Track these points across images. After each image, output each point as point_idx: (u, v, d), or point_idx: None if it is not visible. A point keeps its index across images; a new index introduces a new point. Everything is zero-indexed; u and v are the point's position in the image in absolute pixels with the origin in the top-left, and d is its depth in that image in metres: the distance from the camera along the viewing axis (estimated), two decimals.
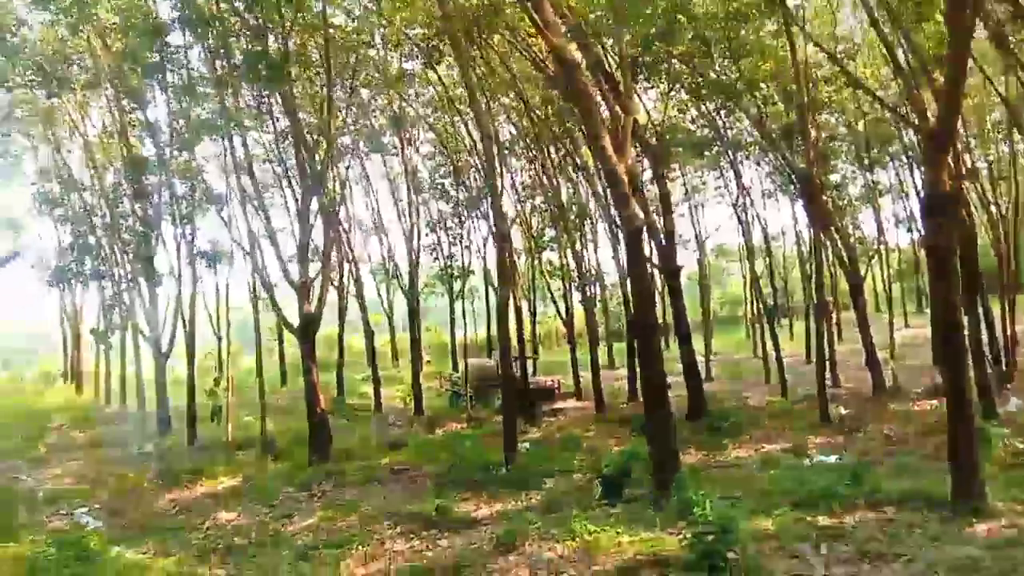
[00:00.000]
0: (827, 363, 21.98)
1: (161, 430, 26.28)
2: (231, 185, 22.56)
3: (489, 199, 26.29)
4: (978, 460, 9.25)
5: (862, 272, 33.21)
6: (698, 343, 40.06)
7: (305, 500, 15.66)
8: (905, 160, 35.26)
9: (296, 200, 20.79)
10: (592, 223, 33.79)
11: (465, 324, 38.82)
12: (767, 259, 38.70)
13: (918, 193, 36.41)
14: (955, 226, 9.54)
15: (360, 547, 11.32)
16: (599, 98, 17.26)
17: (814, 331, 26.24)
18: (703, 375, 35.18)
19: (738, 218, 33.16)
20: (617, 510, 11.63)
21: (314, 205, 19.90)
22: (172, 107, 24.32)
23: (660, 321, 32.22)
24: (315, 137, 21.25)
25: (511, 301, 27.95)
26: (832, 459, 15.54)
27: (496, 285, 32.34)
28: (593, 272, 35.04)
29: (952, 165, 11.91)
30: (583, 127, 15.87)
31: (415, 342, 29.83)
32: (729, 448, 18.33)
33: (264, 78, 18.03)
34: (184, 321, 25.56)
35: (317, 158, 20.08)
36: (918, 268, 43.85)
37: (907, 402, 22.61)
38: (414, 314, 30.22)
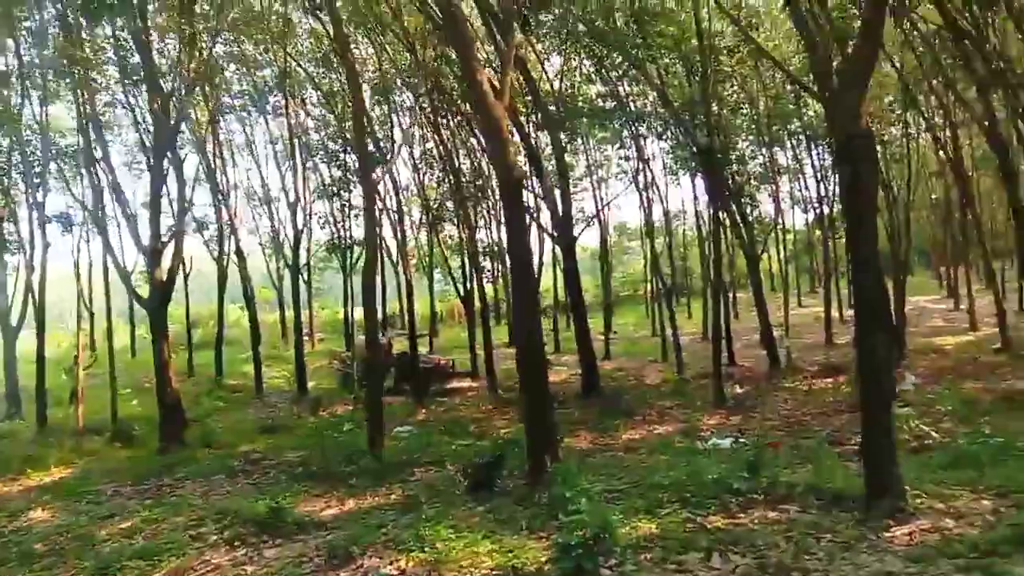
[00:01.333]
0: (723, 341, 20.50)
1: (11, 412, 23.11)
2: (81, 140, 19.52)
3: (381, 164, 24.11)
4: (895, 453, 7.62)
5: (759, 251, 32.40)
6: (599, 321, 38.91)
7: (137, 496, 13.15)
8: (803, 139, 34.56)
9: (148, 154, 18.04)
10: (494, 195, 31.69)
11: (383, 302, 36.37)
12: (667, 238, 37.55)
13: (816, 173, 36.00)
14: (874, 173, 7.76)
15: (172, 559, 9.04)
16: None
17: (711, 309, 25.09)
18: (603, 353, 34.11)
19: (639, 195, 31.81)
20: (485, 507, 9.65)
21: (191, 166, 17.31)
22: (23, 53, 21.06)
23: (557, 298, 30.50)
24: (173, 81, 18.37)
25: (406, 278, 25.93)
26: (727, 442, 14.04)
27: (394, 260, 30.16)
28: (496, 248, 33.03)
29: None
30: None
31: (298, 319, 27.24)
32: (621, 429, 16.68)
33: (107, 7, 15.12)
34: (33, 292, 22.39)
35: (173, 103, 17.32)
36: (812, 248, 43.66)
37: (803, 380, 21.52)
38: (297, 288, 27.59)
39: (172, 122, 17.07)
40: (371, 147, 25.98)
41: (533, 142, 24.70)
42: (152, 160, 17.54)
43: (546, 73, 26.11)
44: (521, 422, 18.39)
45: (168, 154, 17.55)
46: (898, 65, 23.55)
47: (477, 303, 28.72)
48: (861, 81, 7.77)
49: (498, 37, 14.97)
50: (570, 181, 22.68)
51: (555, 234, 21.26)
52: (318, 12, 20.22)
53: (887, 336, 7.69)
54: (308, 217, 28.53)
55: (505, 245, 32.80)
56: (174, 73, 18.25)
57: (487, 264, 30.66)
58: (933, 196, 42.37)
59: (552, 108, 24.13)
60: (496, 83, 11.69)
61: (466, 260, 29.24)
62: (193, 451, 16.77)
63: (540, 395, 10.71)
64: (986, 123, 21.03)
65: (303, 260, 29.29)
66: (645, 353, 33.88)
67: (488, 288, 33.61)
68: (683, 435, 15.24)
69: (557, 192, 20.83)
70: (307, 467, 13.87)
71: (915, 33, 22.25)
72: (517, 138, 21.66)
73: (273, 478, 13.83)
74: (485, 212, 30.42)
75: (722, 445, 13.95)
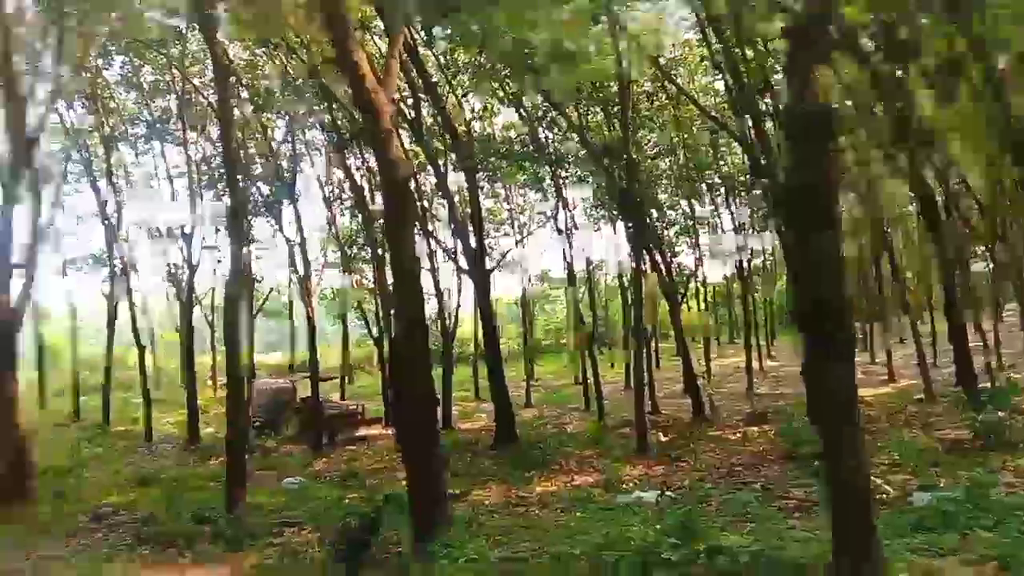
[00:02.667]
0: (646, 388, 18.56)
1: None
2: None
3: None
4: (871, 513, 5.62)
5: (680, 300, 31.05)
6: (520, 369, 36.79)
7: None
8: (722, 191, 33.69)
9: None
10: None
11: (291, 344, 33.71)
12: (589, 285, 35.91)
13: (734, 226, 35.13)
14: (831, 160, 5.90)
15: None
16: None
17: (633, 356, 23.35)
18: (524, 401, 31.90)
19: (562, 242, 30.16)
20: None
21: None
22: None
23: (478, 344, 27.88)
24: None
25: (308, 318, 23.43)
26: (651, 496, 11.92)
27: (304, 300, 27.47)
28: None
29: None
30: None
31: (190, 360, 24.30)
32: (535, 481, 14.47)
33: None
34: None
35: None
36: (731, 299, 42.75)
37: (728, 429, 19.75)
38: (189, 327, 24.70)
39: (30, 134, 14.42)
40: (273, 180, 23.83)
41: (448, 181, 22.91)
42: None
43: (464, 113, 24.38)
44: None
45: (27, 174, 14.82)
46: None
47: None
48: (813, 41, 6.01)
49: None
50: (484, 219, 20.62)
51: (467, 268, 19.19)
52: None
53: (849, 368, 5.73)
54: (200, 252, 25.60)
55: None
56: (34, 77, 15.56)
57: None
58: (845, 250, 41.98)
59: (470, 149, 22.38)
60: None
61: (379, 302, 26.86)
62: (41, 505, 13.82)
63: (425, 442, 8.46)
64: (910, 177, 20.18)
65: (205, 299, 26.40)
66: (567, 401, 31.90)
67: None
68: (603, 488, 13.10)
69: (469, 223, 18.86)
70: (153, 527, 11.15)
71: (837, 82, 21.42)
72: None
73: (116, 539, 11.05)
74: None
75: (646, 499, 11.85)
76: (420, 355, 8.52)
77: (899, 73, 19.75)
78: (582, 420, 25.09)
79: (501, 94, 23.86)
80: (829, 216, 5.71)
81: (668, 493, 11.92)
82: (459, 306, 29.10)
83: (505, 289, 50.70)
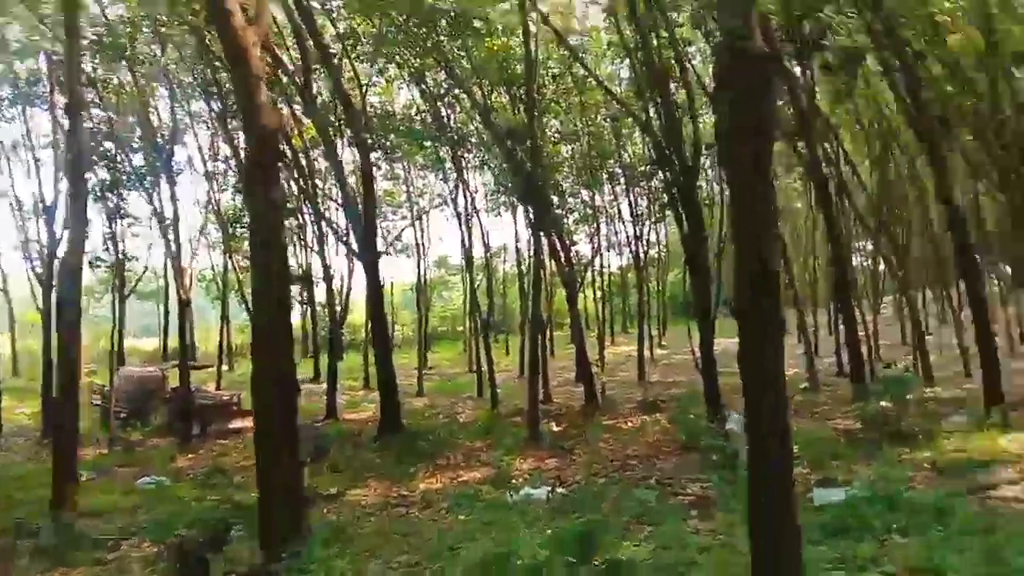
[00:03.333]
0: (540, 377, 17.61)
1: None
2: None
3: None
4: (800, 538, 4.72)
5: (577, 289, 30.42)
6: (414, 356, 35.39)
7: None
8: (622, 181, 33.27)
9: None
10: (302, 215, 27.44)
11: (164, 329, 30.94)
12: (487, 272, 34.87)
13: (632, 215, 34.78)
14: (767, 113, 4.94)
15: None
16: None
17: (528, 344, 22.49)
18: (416, 389, 30.61)
19: (460, 227, 28.94)
20: None
21: None
22: None
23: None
24: None
25: (179, 301, 21.36)
26: (542, 492, 10.97)
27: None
28: (301, 271, 28.82)
29: None
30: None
31: (48, 344, 21.76)
32: (420, 477, 13.29)
33: None
34: None
35: None
36: (626, 289, 42.72)
37: (621, 418, 19.13)
38: (48, 308, 22.13)
39: None
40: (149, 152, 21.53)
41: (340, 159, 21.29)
42: None
43: (361, 87, 22.75)
44: (307, 464, 14.66)
45: None
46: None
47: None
48: None
49: None
50: (380, 200, 19.10)
51: (356, 249, 17.73)
52: None
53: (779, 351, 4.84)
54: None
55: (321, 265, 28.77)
56: None
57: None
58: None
59: (365, 122, 20.83)
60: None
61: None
62: None
63: (281, 437, 7.11)
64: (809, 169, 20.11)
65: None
66: (461, 390, 30.89)
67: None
68: (492, 483, 12.03)
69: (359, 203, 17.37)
70: None
71: None
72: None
73: None
74: (290, 232, 26.28)
75: (536, 496, 10.86)
76: (279, 335, 7.17)
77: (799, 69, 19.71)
78: (475, 409, 24.10)
79: (401, 68, 22.50)
80: (768, 163, 4.80)
81: (560, 490, 10.97)
82: (350, 290, 27.47)
83: (402, 274, 49.14)
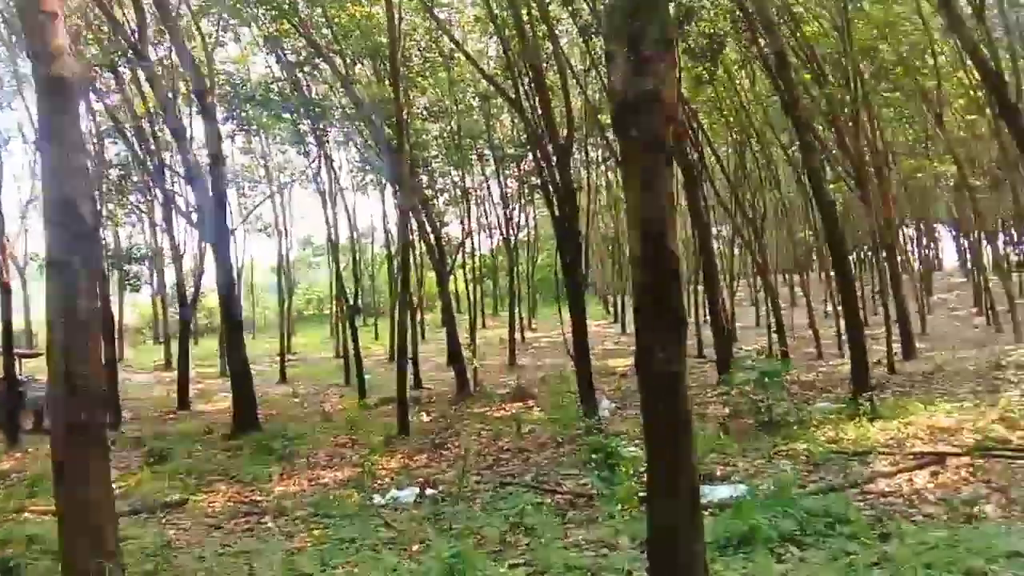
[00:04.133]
0: (410, 362, 16.50)
1: None
2: None
3: None
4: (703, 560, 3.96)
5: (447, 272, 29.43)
6: (276, 341, 33.26)
7: None
8: (492, 162, 32.41)
9: None
10: (150, 189, 24.71)
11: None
12: (354, 254, 33.21)
13: (503, 198, 34.02)
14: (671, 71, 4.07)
15: None
16: None
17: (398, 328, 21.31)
18: (278, 377, 28.78)
19: (324, 206, 27.15)
20: None
21: None
22: None
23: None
24: None
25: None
26: (409, 495, 9.96)
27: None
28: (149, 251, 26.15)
29: None
30: None
31: None
32: (276, 478, 11.93)
33: None
34: None
35: None
36: (495, 270, 42.13)
37: (493, 406, 18.39)
38: None
39: None
40: None
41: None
42: None
43: (207, 48, 20.55)
44: (141, 470, 12.98)
45: None
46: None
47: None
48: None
49: None
50: (238, 176, 17.15)
51: (204, 227, 15.90)
52: None
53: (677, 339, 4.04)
54: None
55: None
56: None
57: (134, 268, 23.68)
58: (601, 228, 42.95)
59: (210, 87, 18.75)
60: None
61: (105, 263, 22.35)
62: None
63: (78, 445, 5.63)
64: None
65: None
66: (327, 376, 29.35)
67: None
68: (356, 486, 10.88)
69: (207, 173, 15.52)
70: None
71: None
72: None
73: None
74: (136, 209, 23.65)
75: (404, 499, 9.87)
76: (81, 319, 5.71)
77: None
78: (342, 398, 22.77)
79: (252, 28, 20.52)
80: (665, 135, 3.99)
81: (430, 491, 9.99)
82: (203, 272, 25.16)
83: (265, 254, 46.33)
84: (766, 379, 11.06)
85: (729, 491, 8.13)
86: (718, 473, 9.15)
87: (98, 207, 19.89)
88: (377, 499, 9.95)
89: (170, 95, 17.26)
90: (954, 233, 45.75)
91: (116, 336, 39.79)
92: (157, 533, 8.86)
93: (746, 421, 11.70)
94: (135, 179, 23.43)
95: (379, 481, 11.05)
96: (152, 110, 20.55)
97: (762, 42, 14.32)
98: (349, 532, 8.12)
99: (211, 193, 15.14)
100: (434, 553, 5.99)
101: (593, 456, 8.74)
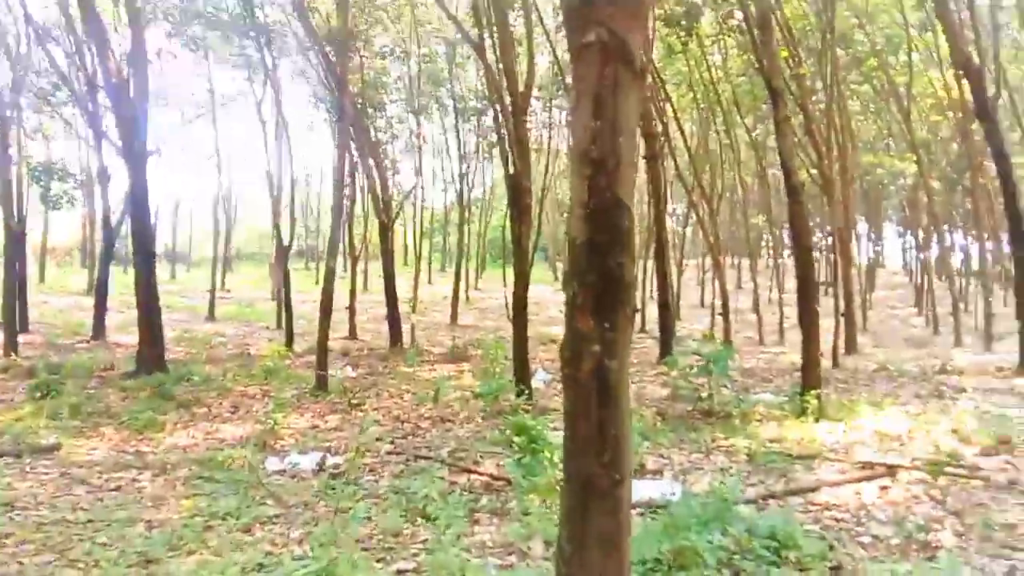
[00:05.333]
0: (330, 318, 15.10)
1: None
2: None
3: None
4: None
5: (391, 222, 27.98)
6: (206, 276, 31.47)
7: None
8: (452, 112, 30.85)
9: None
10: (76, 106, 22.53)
11: None
12: (293, 191, 31.39)
13: (460, 150, 32.54)
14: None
15: None
16: None
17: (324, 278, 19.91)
18: (207, 314, 27.19)
19: (264, 136, 25.28)
20: None
21: None
22: None
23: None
24: None
25: None
26: (310, 461, 8.75)
27: None
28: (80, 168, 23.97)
29: None
30: None
31: None
32: (169, 428, 10.61)
33: None
34: None
35: None
36: (446, 225, 40.74)
37: (425, 365, 17.28)
38: None
39: None
40: None
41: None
42: None
43: None
44: (35, 401, 11.55)
45: None
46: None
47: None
48: None
49: None
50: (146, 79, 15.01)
51: (118, 143, 14.16)
52: None
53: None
54: None
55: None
56: None
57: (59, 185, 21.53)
58: (558, 193, 41.83)
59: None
60: None
61: (25, 178, 20.42)
62: None
63: None
64: None
65: None
66: (260, 319, 27.85)
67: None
68: (255, 444, 9.65)
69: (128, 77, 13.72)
70: None
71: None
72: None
73: None
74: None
75: (303, 467, 8.67)
76: None
77: None
78: (270, 342, 21.31)
79: None
80: (635, 39, 2.81)
81: (333, 459, 8.83)
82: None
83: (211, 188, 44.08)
84: (710, 364, 10.11)
85: (661, 488, 7.20)
86: (649, 466, 8.21)
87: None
88: (273, 463, 8.75)
89: None
90: (900, 232, 45.98)
91: (37, 256, 37.38)
92: (6, 485, 7.55)
93: (684, 407, 10.80)
94: (66, 90, 21.31)
95: (281, 442, 9.84)
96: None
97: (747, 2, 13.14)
98: (227, 504, 6.93)
99: (124, 106, 13.41)
100: (312, 550, 4.86)
101: (515, 439, 7.65)
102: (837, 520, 6.52)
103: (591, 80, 2.90)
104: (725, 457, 8.45)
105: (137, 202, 13.93)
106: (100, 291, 20.48)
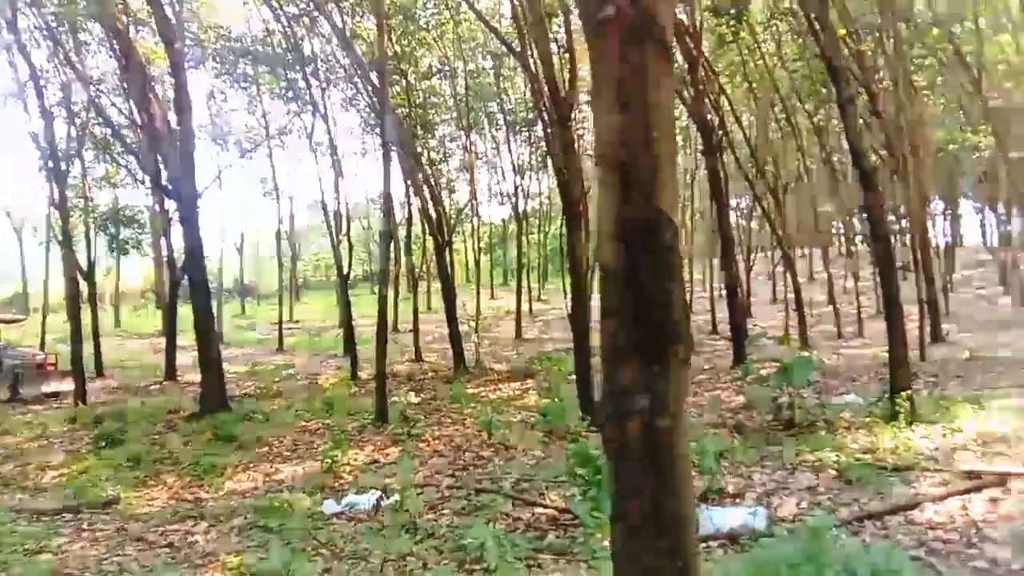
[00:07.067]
0: (387, 347, 14.66)
1: None
2: None
3: None
4: None
5: (454, 243, 27.62)
6: (276, 308, 31.76)
7: None
8: (503, 127, 30.43)
9: None
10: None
11: None
12: (342, 220, 31.49)
13: (513, 165, 32.08)
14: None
15: None
16: None
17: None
18: (277, 345, 27.38)
19: (333, 168, 25.30)
20: None
21: None
22: None
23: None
24: None
25: None
26: (368, 501, 8.27)
27: None
28: (139, 213, 24.50)
29: None
30: None
31: None
32: (229, 472, 10.33)
33: None
34: None
35: None
36: (506, 239, 40.31)
37: (489, 384, 16.75)
38: None
39: None
40: None
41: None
42: None
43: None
44: (92, 455, 11.48)
45: None
46: None
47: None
48: None
49: None
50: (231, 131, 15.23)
51: (168, 186, 14.13)
52: None
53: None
54: None
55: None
56: None
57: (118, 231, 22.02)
58: None
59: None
60: None
61: (91, 226, 20.86)
62: None
63: None
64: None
65: None
66: (329, 347, 27.86)
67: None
68: (314, 486, 9.26)
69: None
70: None
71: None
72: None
73: None
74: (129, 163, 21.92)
75: (360, 506, 8.21)
76: None
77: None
78: (338, 370, 21.21)
79: None
80: (661, 16, 2.14)
81: (389, 500, 8.31)
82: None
83: (263, 220, 44.93)
84: (789, 373, 9.21)
85: (743, 518, 6.40)
86: (730, 489, 7.40)
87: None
88: (330, 506, 8.30)
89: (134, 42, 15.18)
90: (977, 208, 43.27)
91: (111, 300, 38.60)
92: (57, 548, 7.30)
93: (763, 418, 9.90)
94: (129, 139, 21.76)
95: (340, 480, 9.41)
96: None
97: None
98: (278, 558, 6.47)
99: (170, 151, 13.35)
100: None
101: (579, 471, 6.97)
102: (945, 542, 5.63)
103: (612, 63, 2.25)
104: (812, 473, 7.57)
105: (190, 243, 13.87)
106: (170, 332, 20.72)
